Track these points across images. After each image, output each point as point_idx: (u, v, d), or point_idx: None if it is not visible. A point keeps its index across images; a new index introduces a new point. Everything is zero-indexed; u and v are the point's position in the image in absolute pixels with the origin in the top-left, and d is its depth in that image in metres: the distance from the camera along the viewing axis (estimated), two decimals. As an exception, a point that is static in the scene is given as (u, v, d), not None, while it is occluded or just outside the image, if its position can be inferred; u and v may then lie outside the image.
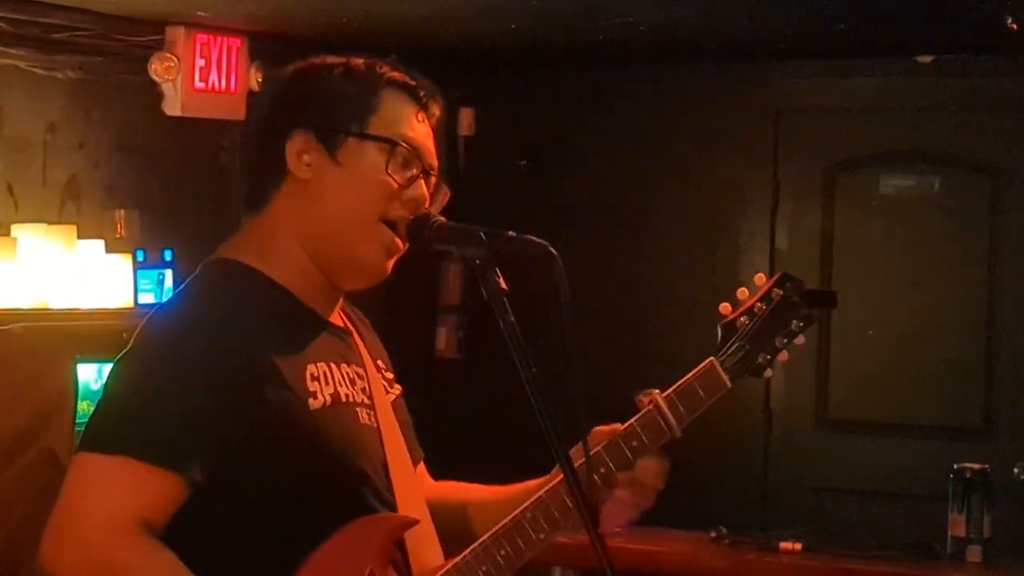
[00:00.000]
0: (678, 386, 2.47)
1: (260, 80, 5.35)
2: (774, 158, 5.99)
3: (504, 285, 2.28)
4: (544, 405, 2.22)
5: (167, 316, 2.32)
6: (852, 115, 5.93)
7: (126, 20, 4.99)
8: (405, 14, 4.94)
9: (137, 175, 5.33)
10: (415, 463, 2.55)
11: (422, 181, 2.36)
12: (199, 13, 4.97)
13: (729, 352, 2.51)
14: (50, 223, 4.93)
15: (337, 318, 2.43)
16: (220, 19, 5.11)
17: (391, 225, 2.35)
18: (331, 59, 2.42)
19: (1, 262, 4.68)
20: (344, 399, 2.31)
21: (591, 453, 2.36)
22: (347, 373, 2.36)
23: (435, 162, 2.40)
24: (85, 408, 4.86)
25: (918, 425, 5.76)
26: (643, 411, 2.45)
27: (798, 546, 4.53)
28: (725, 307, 2.52)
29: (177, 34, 5.06)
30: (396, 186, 2.33)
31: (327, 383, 2.29)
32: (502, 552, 2.32)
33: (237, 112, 5.33)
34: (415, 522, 2.31)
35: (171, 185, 5.44)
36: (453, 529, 2.46)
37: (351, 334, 2.44)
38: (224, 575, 2.21)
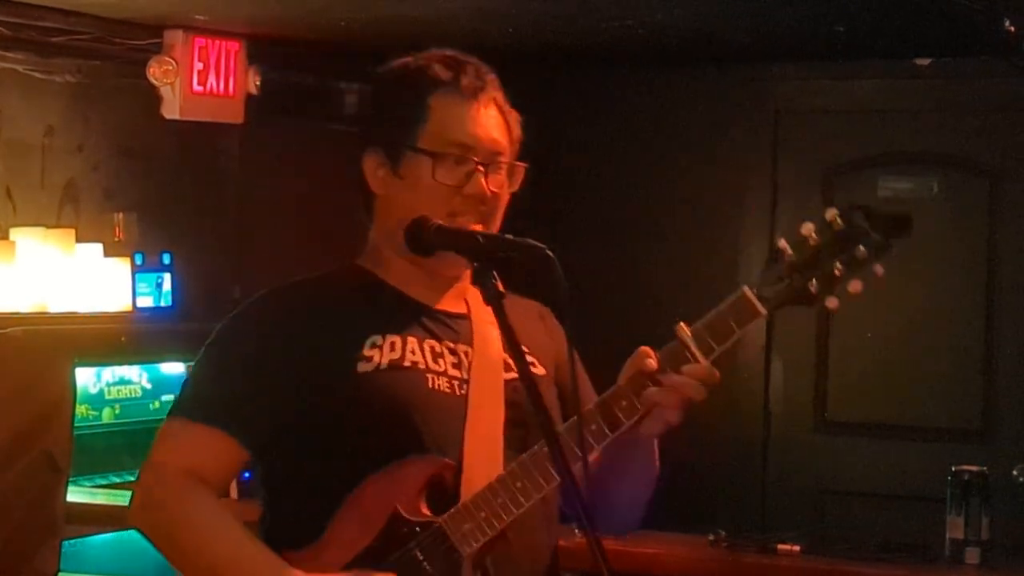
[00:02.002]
0: (708, 317, 2.41)
1: (258, 83, 5.35)
2: (773, 160, 5.99)
3: (502, 288, 2.31)
4: (543, 407, 2.24)
5: (251, 299, 2.56)
6: (851, 117, 5.93)
7: (124, 24, 4.99)
8: (404, 16, 4.95)
9: (136, 178, 5.33)
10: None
11: (479, 175, 2.48)
12: (197, 17, 4.97)
13: (767, 282, 2.38)
14: (48, 226, 4.93)
15: (452, 305, 2.55)
16: (218, 22, 5.11)
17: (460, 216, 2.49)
18: (393, 67, 2.58)
19: (-1, 265, 4.68)
20: (410, 365, 2.44)
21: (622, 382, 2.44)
22: (432, 347, 2.48)
23: (499, 146, 2.53)
24: (83, 411, 4.87)
25: (917, 427, 5.76)
26: (669, 344, 2.43)
27: (797, 548, 4.52)
28: (781, 242, 2.41)
29: (175, 37, 5.07)
30: (452, 186, 2.46)
31: (393, 351, 2.44)
32: (518, 484, 2.40)
33: (235, 115, 5.33)
34: (446, 463, 2.41)
35: (170, 188, 5.44)
36: None
37: (463, 318, 2.54)
38: (285, 519, 2.48)
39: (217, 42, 5.20)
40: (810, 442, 5.91)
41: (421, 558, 2.39)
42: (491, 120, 2.53)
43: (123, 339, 4.95)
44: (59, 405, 4.36)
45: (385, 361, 2.44)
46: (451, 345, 2.51)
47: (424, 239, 2.40)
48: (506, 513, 2.39)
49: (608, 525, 2.51)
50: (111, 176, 5.24)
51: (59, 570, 4.11)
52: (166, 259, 5.24)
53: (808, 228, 2.39)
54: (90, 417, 4.94)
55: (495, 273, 2.31)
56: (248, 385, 2.45)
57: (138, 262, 5.14)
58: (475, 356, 2.51)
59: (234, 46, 5.26)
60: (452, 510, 2.40)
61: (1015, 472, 5.11)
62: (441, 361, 2.48)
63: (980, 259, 5.70)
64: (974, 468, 4.55)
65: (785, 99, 6.01)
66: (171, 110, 5.11)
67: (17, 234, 4.80)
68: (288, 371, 2.43)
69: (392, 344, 2.45)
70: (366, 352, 2.44)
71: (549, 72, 6.14)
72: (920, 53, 5.66)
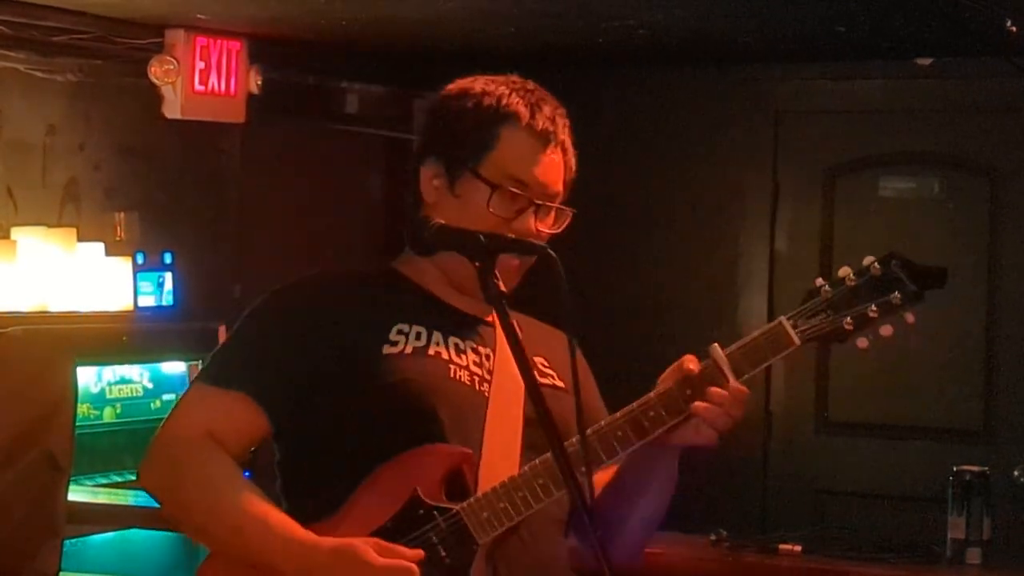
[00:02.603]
0: (742, 342, 2.49)
1: (259, 83, 5.35)
2: (774, 160, 5.99)
3: (503, 287, 2.32)
4: (544, 407, 2.24)
5: (285, 283, 2.62)
6: (852, 117, 5.93)
7: (126, 23, 5.00)
8: (404, 17, 4.95)
9: (137, 178, 5.34)
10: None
11: (531, 214, 2.53)
12: (199, 16, 4.98)
13: (804, 315, 2.49)
14: (50, 226, 4.93)
15: (482, 313, 2.58)
16: (220, 22, 5.11)
17: None
18: (473, 84, 2.62)
19: (1, 265, 4.68)
20: (433, 354, 2.50)
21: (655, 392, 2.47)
22: (456, 344, 2.54)
23: (555, 190, 2.60)
24: (85, 411, 4.87)
25: (918, 427, 5.76)
26: (703, 363, 2.49)
27: (798, 548, 4.52)
28: (819, 280, 2.53)
29: (177, 37, 5.07)
30: (501, 219, 2.50)
31: (418, 339, 2.50)
32: (539, 481, 2.43)
33: (237, 115, 5.33)
34: (468, 453, 2.45)
35: (171, 188, 5.45)
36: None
37: (491, 326, 2.57)
38: (300, 497, 2.51)
39: (218, 41, 5.20)
40: (811, 442, 5.91)
41: (436, 542, 2.42)
42: (554, 164, 2.62)
43: (124, 338, 4.95)
44: (60, 404, 4.35)
45: (410, 347, 2.49)
46: (474, 346, 2.55)
47: (425, 238, 2.40)
48: (525, 506, 2.42)
49: (619, 548, 2.54)
50: (112, 175, 5.25)
51: (60, 570, 4.11)
52: (167, 258, 5.24)
53: (846, 270, 2.51)
54: (91, 416, 4.94)
55: (497, 273, 2.31)
56: (275, 356, 2.50)
57: (139, 261, 5.14)
58: (497, 360, 2.55)
59: (235, 46, 5.27)
60: (471, 499, 2.43)
61: (1016, 472, 5.11)
62: (464, 357, 2.53)
63: (981, 259, 5.69)
64: (975, 468, 4.55)
65: (785, 99, 6.01)
66: (172, 109, 5.11)
67: (18, 233, 4.80)
68: (316, 347, 2.48)
69: (418, 334, 2.51)
70: (392, 336, 2.49)
71: (549, 72, 6.12)
72: (921, 53, 5.66)
